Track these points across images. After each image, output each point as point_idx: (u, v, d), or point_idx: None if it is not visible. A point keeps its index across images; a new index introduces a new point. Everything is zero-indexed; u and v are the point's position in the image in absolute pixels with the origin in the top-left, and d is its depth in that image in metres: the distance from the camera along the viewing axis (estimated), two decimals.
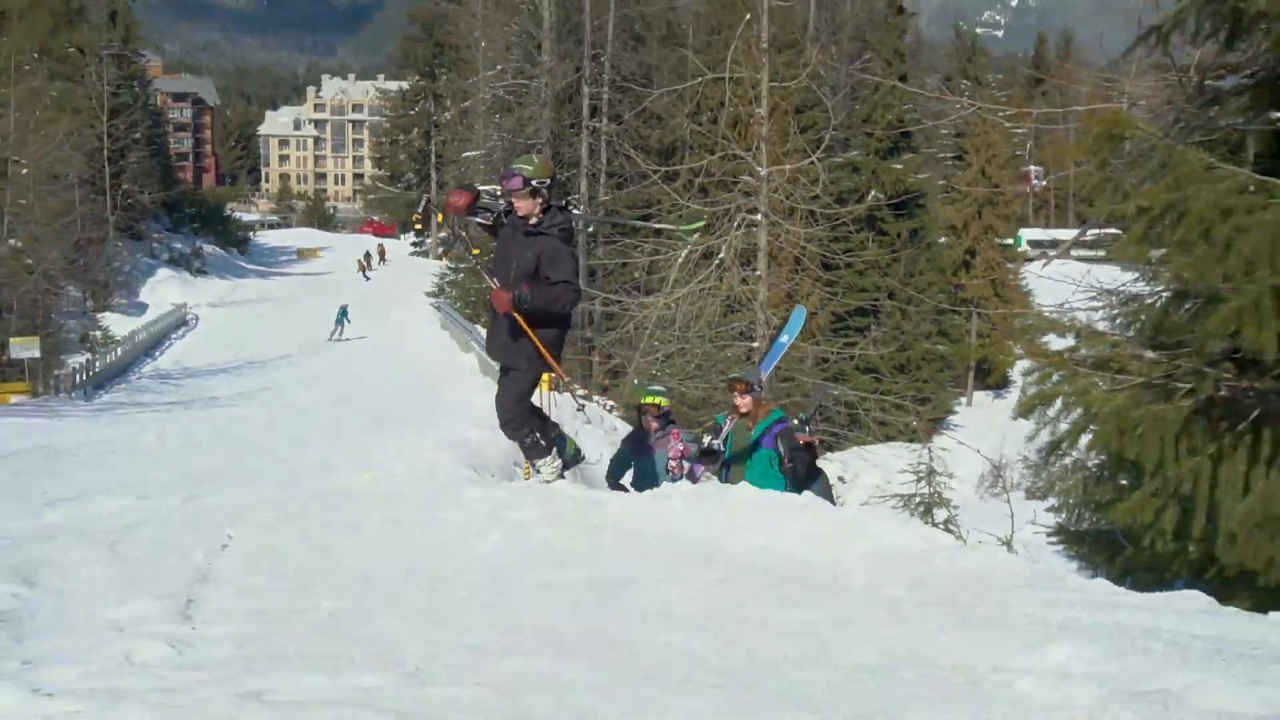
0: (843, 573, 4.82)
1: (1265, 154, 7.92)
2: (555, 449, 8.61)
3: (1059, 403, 8.28)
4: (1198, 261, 6.66)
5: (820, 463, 10.88)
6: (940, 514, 31.25)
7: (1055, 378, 8.26)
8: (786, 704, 2.55)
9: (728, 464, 9.80)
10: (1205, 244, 6.55)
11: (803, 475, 9.60)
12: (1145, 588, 7.45)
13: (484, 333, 37.80)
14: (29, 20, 56.69)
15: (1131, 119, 6.94)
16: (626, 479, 10.33)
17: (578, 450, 9.09)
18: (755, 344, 29.59)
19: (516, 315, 8.26)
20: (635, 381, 31.94)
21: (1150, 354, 8.87)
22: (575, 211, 8.83)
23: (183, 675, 2.83)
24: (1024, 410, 8.58)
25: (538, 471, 8.70)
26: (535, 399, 9.05)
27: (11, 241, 41.03)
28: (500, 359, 8.74)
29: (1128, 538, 9.12)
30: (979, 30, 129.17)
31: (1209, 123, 9.01)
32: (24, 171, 44.53)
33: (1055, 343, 10.86)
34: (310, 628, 3.45)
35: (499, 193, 8.68)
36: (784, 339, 15.17)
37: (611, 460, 10.76)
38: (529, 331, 8.30)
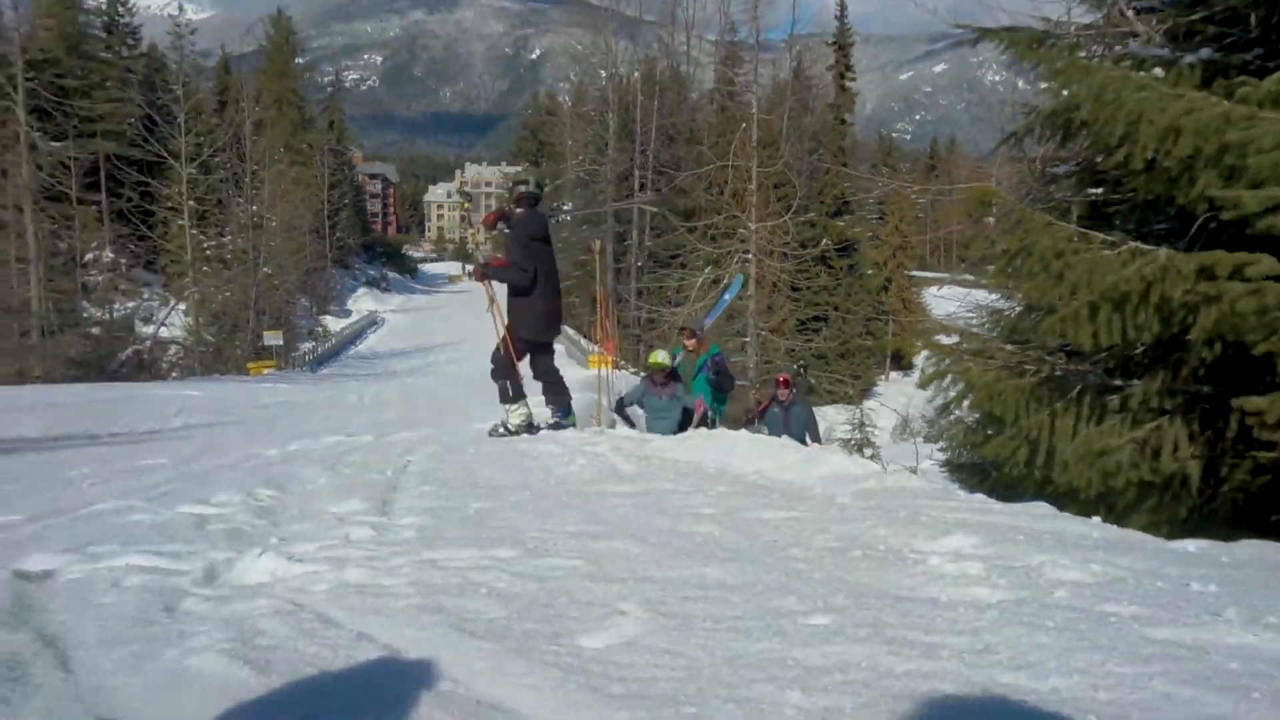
0: (808, 487, 4.78)
1: (1085, 215, 7.94)
2: (520, 401, 8.09)
3: (949, 378, 8.20)
4: (1039, 286, 6.64)
5: (807, 403, 11.23)
6: (868, 451, 31.25)
7: (947, 361, 8.18)
8: (778, 572, 2.52)
9: (679, 381, 9.87)
10: (1045, 274, 6.52)
11: (726, 388, 10.19)
12: (1006, 500, 7.42)
13: (567, 331, 37.71)
14: (278, 126, 57.07)
15: (997, 192, 6.92)
16: (633, 412, 10.00)
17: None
18: (746, 339, 29.55)
19: (482, 284, 8.49)
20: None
21: (1009, 347, 8.92)
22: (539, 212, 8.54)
23: (383, 549, 2.81)
24: (925, 383, 8.54)
25: (506, 415, 8.13)
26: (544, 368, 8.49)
27: (265, 269, 41.25)
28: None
29: (993, 467, 9.09)
30: (894, 134, 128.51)
31: (1049, 195, 9.09)
32: (273, 224, 44.82)
33: (943, 339, 10.87)
34: (464, 520, 3.42)
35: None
36: (726, 297, 15.47)
37: (627, 393, 10.39)
38: (494, 303, 8.44)
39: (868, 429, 32.84)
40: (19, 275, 29.13)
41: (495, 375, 8.16)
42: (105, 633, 1.92)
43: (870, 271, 58.45)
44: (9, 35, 32.95)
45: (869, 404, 48.53)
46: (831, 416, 45.02)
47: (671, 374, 9.92)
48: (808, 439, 10.60)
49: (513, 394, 8.06)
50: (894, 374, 61.08)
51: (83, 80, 45.77)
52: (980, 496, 4.79)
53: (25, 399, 15.99)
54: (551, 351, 8.48)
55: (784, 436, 10.78)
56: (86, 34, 51.33)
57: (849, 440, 32.16)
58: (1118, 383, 7.05)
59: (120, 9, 55.84)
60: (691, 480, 4.75)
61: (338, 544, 2.92)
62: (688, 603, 2.15)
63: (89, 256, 39.48)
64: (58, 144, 30.16)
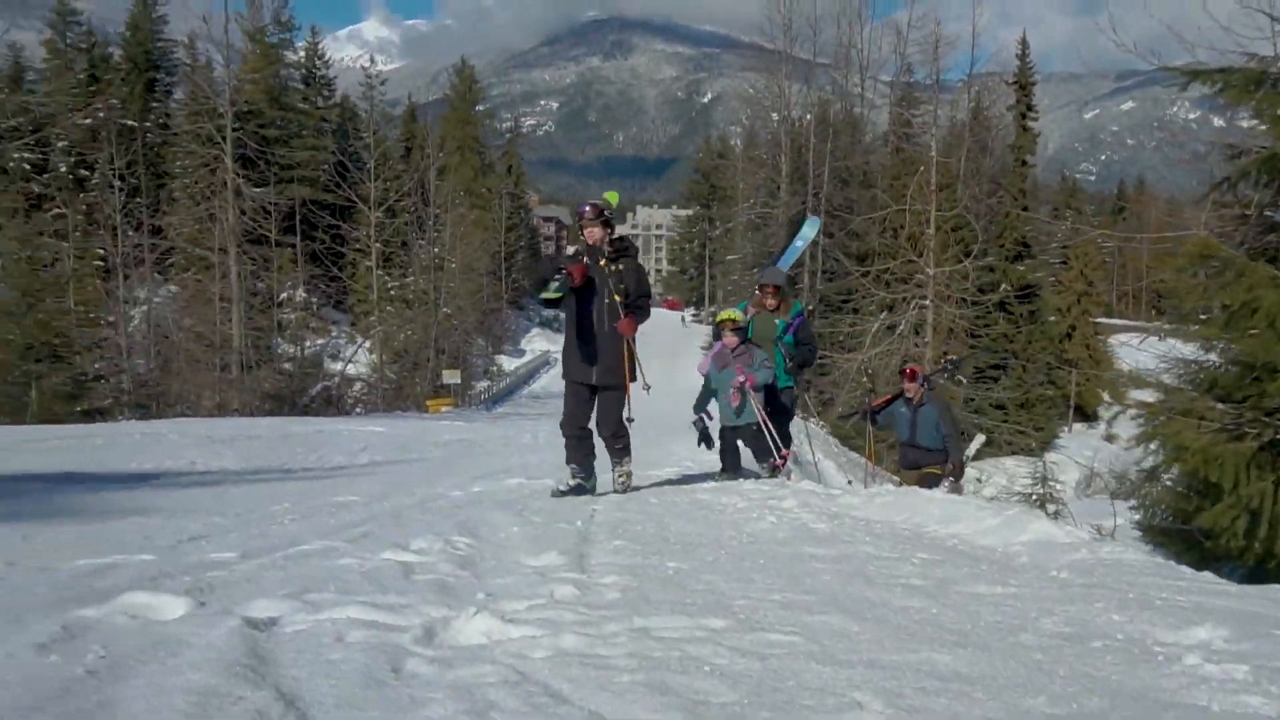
0: (1013, 555, 4.52)
1: None
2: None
3: (1156, 441, 7.69)
4: (1264, 344, 6.14)
5: (942, 402, 9.90)
6: (1052, 508, 29.79)
7: (1157, 421, 7.67)
8: (1015, 662, 2.34)
9: (750, 342, 8.47)
10: (1270, 332, 6.04)
11: (807, 361, 8.98)
12: (1221, 574, 6.88)
13: None
14: (459, 171, 59.50)
15: (1216, 244, 6.44)
16: (712, 408, 8.70)
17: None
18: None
19: (631, 340, 7.19)
20: (839, 409, 31.53)
21: (1221, 406, 8.27)
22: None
23: (592, 612, 2.77)
24: (1138, 442, 8.00)
25: (624, 469, 7.39)
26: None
27: (445, 309, 42.82)
28: (603, 382, 7.13)
29: (1205, 536, 8.44)
30: (1078, 175, 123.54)
31: (1267, 244, 8.46)
32: (453, 266, 46.54)
33: (1143, 395, 10.25)
34: (665, 582, 3.34)
35: (580, 243, 7.43)
36: (798, 243, 13.89)
37: (699, 396, 8.91)
38: (634, 353, 7.27)
39: (1051, 483, 31.37)
40: (222, 313, 31.20)
41: (616, 438, 7.34)
42: (340, 694, 1.94)
43: (1053, 318, 56.36)
44: (220, 89, 35.52)
45: (1051, 456, 46.53)
46: (1011, 469, 43.36)
47: (742, 332, 8.44)
48: (942, 440, 9.63)
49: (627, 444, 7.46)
50: (1077, 425, 58.44)
51: (282, 130, 49.06)
52: (1209, 575, 4.41)
53: (226, 431, 16.98)
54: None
55: (909, 436, 9.86)
56: (287, 86, 55.03)
57: (1030, 495, 30.78)
58: None
59: (318, 62, 59.62)
60: (889, 544, 4.57)
61: (545, 604, 2.90)
62: (928, 696, 2.01)
63: (284, 296, 41.92)
64: (259, 190, 32.25)
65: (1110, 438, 52.03)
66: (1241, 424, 7.49)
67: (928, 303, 26.91)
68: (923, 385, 9.78)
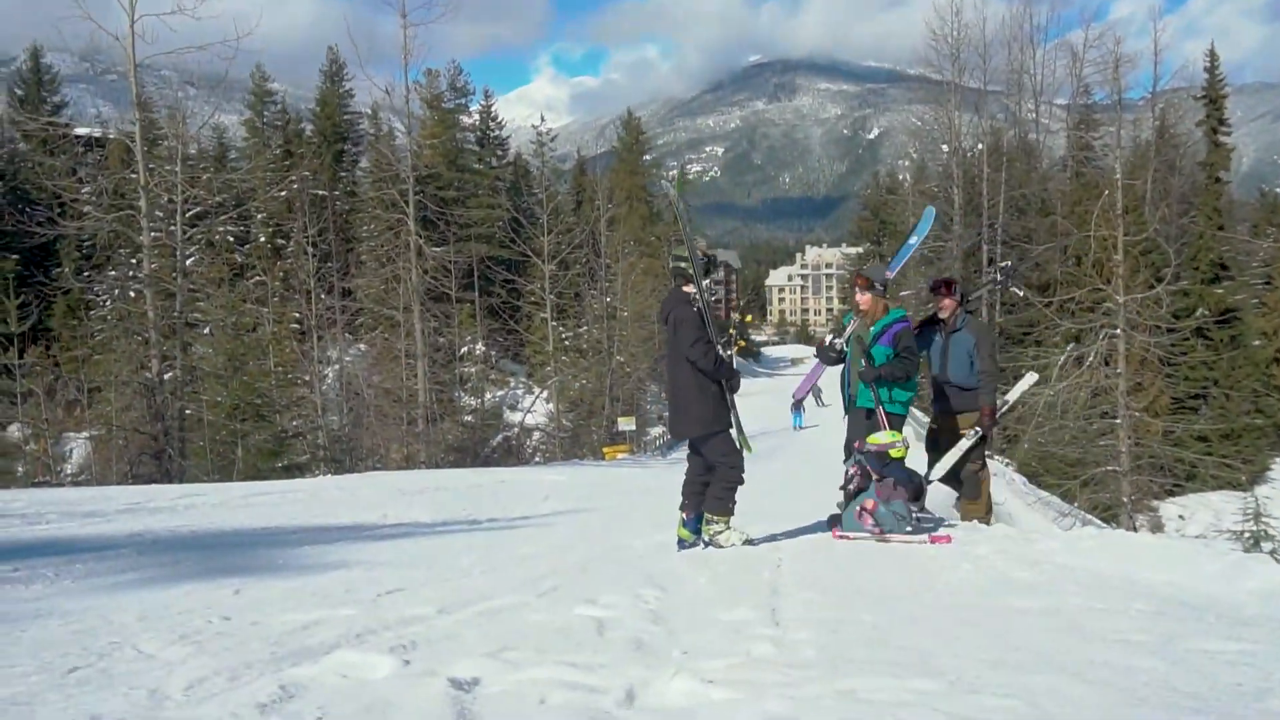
0: (1241, 605, 4.17)
1: None
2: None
3: None
4: None
5: (980, 327, 8.19)
6: (1267, 546, 27.67)
7: None
8: None
9: (847, 361, 7.66)
10: None
11: (904, 375, 7.23)
12: None
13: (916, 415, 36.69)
14: (628, 221, 60.58)
15: None
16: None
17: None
18: (1117, 420, 27.30)
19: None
20: (1026, 446, 30.24)
21: None
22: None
23: (792, 672, 2.69)
24: None
25: (725, 525, 6.74)
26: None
27: (618, 358, 43.42)
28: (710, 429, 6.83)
29: None
30: (1278, 190, 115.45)
31: None
32: (625, 315, 47.22)
33: None
34: (863, 639, 3.23)
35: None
36: (913, 240, 11.42)
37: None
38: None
39: (1265, 520, 29.15)
40: (408, 369, 32.55)
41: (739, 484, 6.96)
42: None
43: (1257, 343, 52.67)
44: (401, 155, 37.35)
45: (1262, 490, 43.30)
46: (1218, 504, 40.61)
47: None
48: (976, 377, 8.00)
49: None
50: None
51: (460, 190, 51.13)
52: None
53: (414, 484, 17.65)
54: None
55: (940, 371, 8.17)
56: (463, 149, 57.47)
57: (1241, 533, 28.72)
58: None
59: (491, 124, 62.07)
60: (1100, 594, 4.29)
61: (743, 662, 2.84)
62: None
63: (464, 350, 43.44)
64: (439, 249, 33.63)
65: None
66: None
67: (1118, 331, 25.58)
68: (960, 302, 8.17)
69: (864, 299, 7.49)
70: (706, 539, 6.69)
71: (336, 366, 38.28)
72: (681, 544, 6.97)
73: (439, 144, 50.03)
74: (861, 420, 7.54)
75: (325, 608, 4.30)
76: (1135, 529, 24.67)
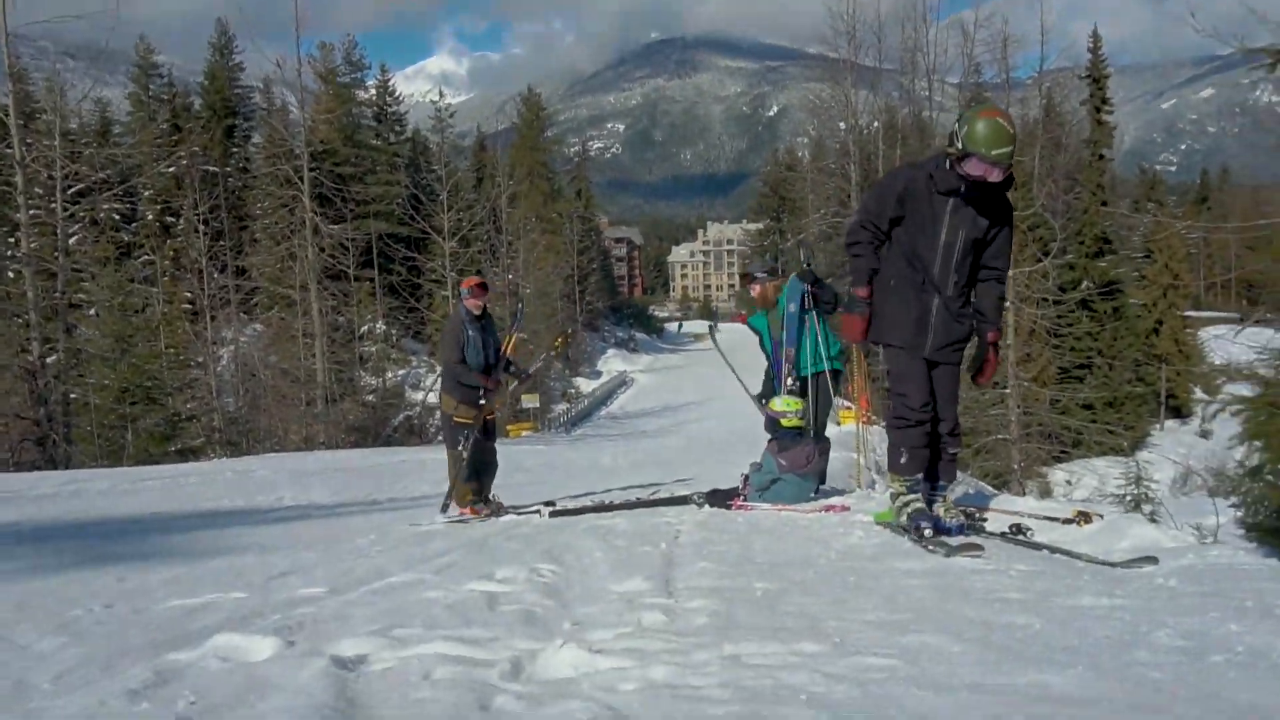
0: (1113, 564, 4.33)
1: None
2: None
3: (1261, 441, 7.31)
4: None
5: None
6: (1147, 508, 28.92)
7: (1260, 416, 7.29)
8: (1131, 684, 2.20)
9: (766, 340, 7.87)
10: None
11: (830, 304, 7.47)
12: None
13: None
14: (530, 198, 60.16)
15: None
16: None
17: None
18: (1007, 390, 28.12)
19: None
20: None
21: None
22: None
23: (681, 640, 2.69)
24: (1243, 440, 7.61)
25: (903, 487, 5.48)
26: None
27: (521, 335, 43.14)
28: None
29: None
30: (1158, 167, 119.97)
31: None
32: (528, 292, 46.97)
33: (1232, 388, 9.85)
34: (754, 604, 3.25)
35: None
36: (792, 308, 10.76)
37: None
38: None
39: (1145, 483, 30.44)
40: (305, 349, 31.84)
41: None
42: None
43: (1138, 315, 54.90)
44: (295, 131, 36.36)
45: (1144, 455, 45.28)
46: (1103, 470, 42.30)
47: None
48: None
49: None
50: (1170, 422, 56.71)
51: (356, 167, 50.04)
52: None
53: (313, 465, 17.32)
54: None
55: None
56: (360, 125, 56.18)
57: (1124, 496, 29.97)
58: None
59: (388, 99, 60.79)
60: (983, 557, 4.40)
61: (632, 632, 2.84)
62: None
63: (364, 329, 42.66)
64: (337, 227, 32.89)
65: (1205, 433, 50.41)
66: None
67: (1008, 304, 26.32)
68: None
69: (755, 289, 7.92)
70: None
71: (231, 347, 37.23)
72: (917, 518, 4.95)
73: (334, 119, 48.82)
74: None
75: (212, 592, 4.18)
76: (1024, 494, 25.55)
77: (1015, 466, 24.98)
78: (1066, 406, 38.26)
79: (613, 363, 63.42)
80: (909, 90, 54.67)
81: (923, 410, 4.83)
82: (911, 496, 4.93)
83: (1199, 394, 56.79)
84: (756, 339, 8.34)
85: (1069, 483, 44.93)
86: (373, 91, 60.00)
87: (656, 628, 2.89)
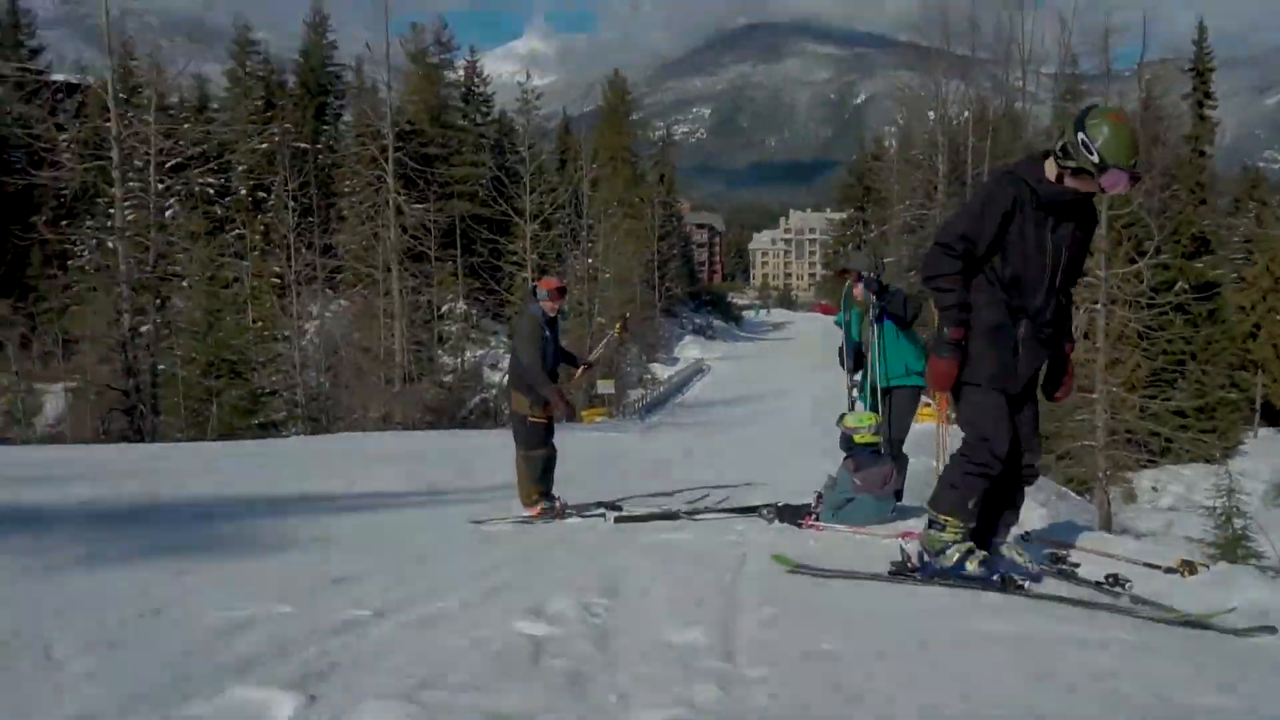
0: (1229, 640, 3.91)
1: None
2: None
3: None
4: None
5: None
6: (1238, 522, 27.76)
7: None
8: None
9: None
10: None
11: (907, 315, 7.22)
12: None
13: None
14: (612, 182, 60.00)
15: None
16: None
17: None
18: (1094, 395, 27.15)
19: None
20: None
21: None
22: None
23: None
24: None
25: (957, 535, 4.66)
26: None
27: (599, 319, 43.10)
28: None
29: None
30: (1259, 164, 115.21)
31: None
32: (607, 276, 46.86)
33: None
34: (823, 679, 2.94)
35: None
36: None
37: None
38: None
39: (1237, 495, 29.20)
40: (386, 328, 32.16)
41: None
42: None
43: (1235, 319, 52.84)
44: (383, 112, 36.68)
45: (1235, 465, 43.68)
46: (1190, 478, 40.91)
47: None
48: None
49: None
50: (1265, 431, 54.65)
51: (443, 147, 50.35)
52: None
53: (387, 448, 17.31)
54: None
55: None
56: (447, 105, 56.51)
57: (1214, 508, 28.86)
58: None
59: (476, 80, 61.08)
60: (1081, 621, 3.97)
61: (685, 712, 2.57)
62: None
63: (444, 309, 43.02)
64: (419, 207, 33.08)
65: None
66: None
67: (1099, 307, 25.38)
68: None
69: (859, 288, 7.46)
70: (924, 550, 4.61)
71: (316, 323, 37.78)
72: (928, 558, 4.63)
73: (421, 100, 49.19)
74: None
75: (261, 602, 4.04)
76: (1109, 502, 24.70)
77: (1100, 475, 24.11)
78: (1157, 412, 37.03)
79: (690, 350, 63.00)
80: (1002, 81, 53.30)
81: (1006, 458, 4.33)
82: (969, 543, 4.45)
83: None
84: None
85: (1154, 489, 43.69)
86: (461, 72, 60.35)
87: (709, 707, 2.61)
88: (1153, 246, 27.47)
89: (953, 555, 4.41)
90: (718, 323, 76.93)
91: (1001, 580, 4.34)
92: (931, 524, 4.48)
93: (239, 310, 31.89)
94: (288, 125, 51.21)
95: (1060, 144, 4.08)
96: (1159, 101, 51.38)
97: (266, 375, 30.39)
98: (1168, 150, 53.78)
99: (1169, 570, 4.68)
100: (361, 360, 32.28)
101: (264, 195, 49.97)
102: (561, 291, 8.93)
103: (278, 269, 39.11)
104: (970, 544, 4.43)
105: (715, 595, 4.16)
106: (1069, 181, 4.10)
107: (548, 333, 8.71)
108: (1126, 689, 2.88)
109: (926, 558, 4.52)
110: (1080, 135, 3.98)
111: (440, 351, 38.89)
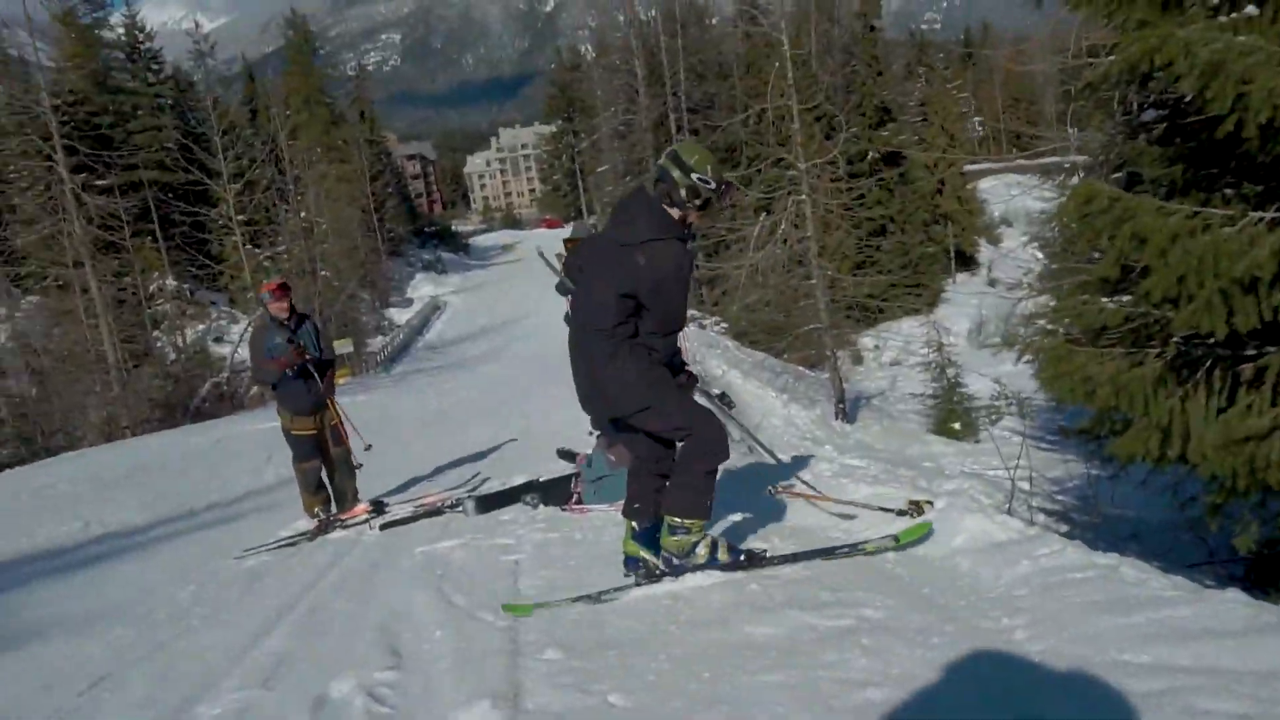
0: (954, 564, 4.36)
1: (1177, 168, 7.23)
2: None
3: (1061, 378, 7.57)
4: (1162, 281, 5.89)
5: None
6: (951, 371, 30.51)
7: (1058, 360, 7.47)
8: None
9: None
10: (1163, 266, 5.86)
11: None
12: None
13: None
14: (310, 127, 57.13)
15: (1102, 187, 6.24)
16: None
17: None
18: (813, 280, 28.83)
19: None
20: (735, 309, 31.50)
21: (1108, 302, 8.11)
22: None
23: None
24: (1048, 388, 7.86)
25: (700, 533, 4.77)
26: None
27: (324, 273, 41.43)
28: None
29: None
30: (923, 28, 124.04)
31: (1137, 154, 8.28)
32: (324, 228, 44.95)
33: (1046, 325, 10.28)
34: None
35: None
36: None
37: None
38: None
39: (946, 348, 31.96)
40: (91, 330, 29.50)
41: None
42: None
43: (921, 177, 57.22)
44: (38, 86, 33.03)
45: (941, 311, 48.08)
46: (907, 331, 44.48)
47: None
48: None
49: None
50: (961, 275, 60.11)
51: (116, 115, 45.91)
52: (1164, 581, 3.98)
53: (119, 464, 15.85)
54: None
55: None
56: (111, 69, 51.30)
57: (929, 363, 31.39)
58: (1250, 351, 6.41)
59: (139, 35, 55.73)
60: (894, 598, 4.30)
61: None
62: None
63: (153, 288, 39.97)
64: (102, 197, 30.18)
65: (993, 282, 54.05)
66: (1137, 341, 7.28)
67: (804, 197, 26.81)
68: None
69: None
70: (671, 555, 4.62)
71: (6, 325, 34.03)
72: (632, 562, 4.80)
73: (83, 68, 44.55)
74: None
75: None
76: (840, 379, 26.44)
77: (829, 353, 25.83)
78: (868, 272, 40.25)
79: (423, 287, 61.64)
80: None
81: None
82: (709, 535, 4.62)
83: (984, 245, 60.42)
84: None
85: (876, 347, 47.29)
86: (120, 30, 54.89)
87: None
88: (842, 138, 29.16)
89: (703, 552, 4.57)
90: (447, 255, 75.53)
91: (746, 556, 4.62)
92: (674, 530, 4.51)
93: None
94: None
95: (681, 192, 4.29)
96: None
97: None
98: (842, 28, 56.97)
99: (900, 513, 5.14)
100: (70, 363, 29.53)
101: None
102: (284, 289, 8.60)
103: None
104: (711, 536, 4.64)
105: (498, 643, 4.15)
106: (693, 218, 4.40)
107: (278, 339, 8.41)
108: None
109: (676, 561, 4.59)
110: (694, 175, 4.27)
111: (157, 335, 36.15)
